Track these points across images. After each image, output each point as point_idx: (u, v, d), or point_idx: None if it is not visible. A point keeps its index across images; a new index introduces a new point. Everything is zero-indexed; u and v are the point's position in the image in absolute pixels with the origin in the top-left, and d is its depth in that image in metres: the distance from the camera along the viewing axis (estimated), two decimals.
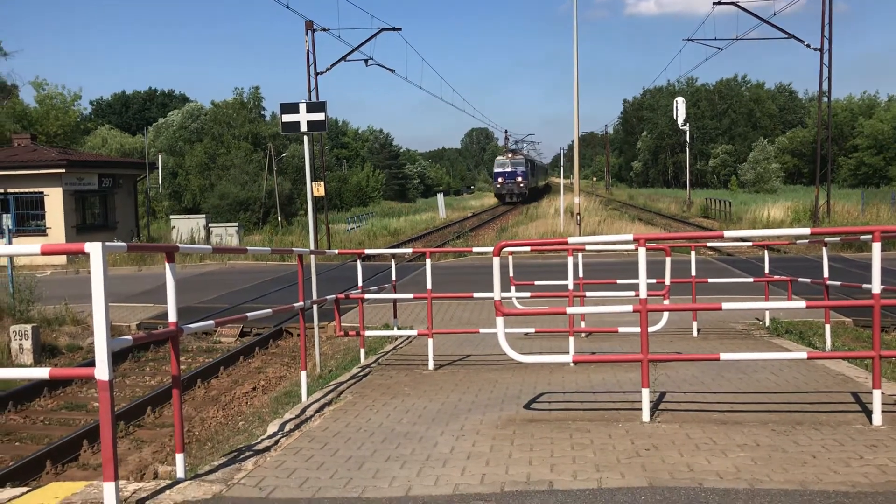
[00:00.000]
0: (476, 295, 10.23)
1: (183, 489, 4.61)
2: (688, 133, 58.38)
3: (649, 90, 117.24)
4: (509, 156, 69.73)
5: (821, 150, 35.23)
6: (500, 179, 68.97)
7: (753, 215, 39.31)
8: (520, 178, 67.71)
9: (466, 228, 41.36)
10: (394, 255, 11.25)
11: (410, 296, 11.21)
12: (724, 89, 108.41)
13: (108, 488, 4.12)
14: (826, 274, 9.91)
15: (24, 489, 4.63)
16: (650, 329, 6.30)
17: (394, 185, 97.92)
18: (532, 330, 10.03)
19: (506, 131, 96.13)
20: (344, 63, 33.28)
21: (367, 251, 10.85)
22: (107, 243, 4.05)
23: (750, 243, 15.07)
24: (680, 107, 52.93)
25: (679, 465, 4.91)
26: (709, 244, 21.14)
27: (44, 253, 4.25)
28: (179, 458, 4.93)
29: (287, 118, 10.46)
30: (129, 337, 4.38)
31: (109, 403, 4.02)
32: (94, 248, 3.96)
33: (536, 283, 12.27)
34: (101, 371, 4.01)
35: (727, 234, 6.84)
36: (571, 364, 8.46)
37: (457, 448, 5.49)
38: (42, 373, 4.28)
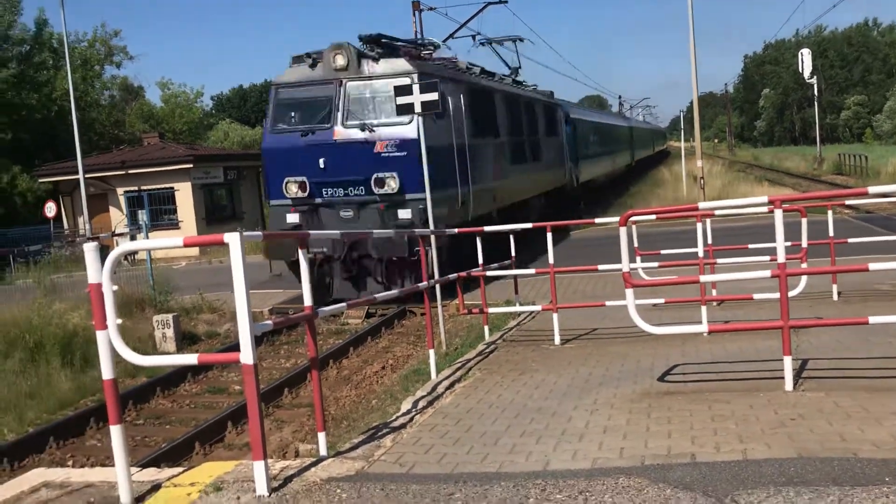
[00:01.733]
0: (601, 267, 10.05)
1: (327, 466, 4.77)
2: (815, 86, 55.16)
3: (771, 44, 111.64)
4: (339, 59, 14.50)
5: None
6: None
7: (894, 168, 36.82)
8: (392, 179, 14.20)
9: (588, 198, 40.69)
10: (512, 231, 11.20)
11: (532, 271, 11.15)
12: (855, 36, 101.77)
13: (258, 467, 4.31)
14: None
15: (180, 469, 4.91)
16: (789, 294, 6.00)
17: None
18: (661, 300, 9.76)
19: (619, 97, 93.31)
20: (452, 40, 33.26)
21: (487, 228, 10.85)
22: (245, 232, 4.21)
23: (893, 199, 14.13)
24: (805, 59, 49.96)
25: (829, 434, 4.67)
26: (846, 202, 19.98)
27: (186, 245, 4.46)
28: (321, 436, 5.10)
29: (401, 100, 10.55)
30: (269, 322, 4.56)
31: (255, 386, 4.19)
32: (233, 239, 4.12)
33: (663, 251, 11.94)
34: (246, 356, 4.19)
35: (871, 189, 6.43)
36: (706, 334, 8.19)
37: (592, 422, 5.43)
38: (191, 359, 4.51)
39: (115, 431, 4.37)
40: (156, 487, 4.59)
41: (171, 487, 4.59)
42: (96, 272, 4.28)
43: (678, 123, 50.05)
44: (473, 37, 33.91)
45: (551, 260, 9.25)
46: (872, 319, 6.09)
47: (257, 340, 4.35)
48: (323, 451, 5.08)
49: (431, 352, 8.03)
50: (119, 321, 4.31)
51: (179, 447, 7.95)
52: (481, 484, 4.28)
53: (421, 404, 6.53)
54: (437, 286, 10.20)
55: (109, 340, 4.31)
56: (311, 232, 5.23)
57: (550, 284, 9.30)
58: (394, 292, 7.32)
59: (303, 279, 5.02)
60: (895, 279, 11.65)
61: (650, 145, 76.40)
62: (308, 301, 5.06)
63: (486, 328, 10.09)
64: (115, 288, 4.30)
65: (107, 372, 4.34)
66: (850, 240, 12.22)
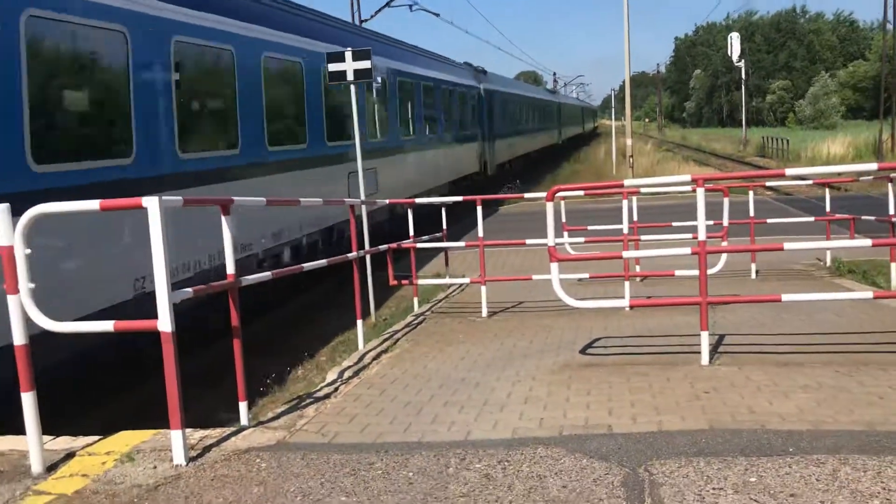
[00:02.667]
0: (528, 241, 10.15)
1: (248, 436, 4.72)
2: (743, 69, 56.57)
3: (702, 26, 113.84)
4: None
5: (885, 82, 33.85)
6: None
7: (812, 153, 38.15)
8: None
9: (518, 175, 40.99)
10: (444, 204, 11.22)
11: (462, 244, 11.21)
12: (782, 22, 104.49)
13: (176, 436, 4.24)
14: (892, 210, 9.58)
15: (96, 437, 4.80)
16: (708, 272, 6.18)
17: None
18: (586, 275, 9.93)
19: (554, 73, 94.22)
20: (388, 9, 32.92)
21: (418, 200, 10.83)
22: (165, 197, 4.11)
23: (810, 182, 14.66)
24: (734, 42, 51.14)
25: (740, 407, 4.85)
26: (767, 184, 20.63)
27: (103, 209, 4.33)
28: (242, 406, 5.05)
29: (333, 67, 10.38)
30: (189, 290, 4.46)
31: (173, 354, 4.12)
32: (151, 203, 4.02)
33: (590, 227, 12.14)
34: (164, 323, 4.10)
35: (789, 171, 6.66)
36: (628, 309, 8.38)
37: (514, 393, 5.51)
38: (107, 325, 4.38)
39: (27, 399, 4.23)
40: (69, 456, 4.48)
41: (85, 456, 4.48)
42: (7, 235, 4.12)
43: (610, 102, 50.18)
44: (410, 6, 33.57)
45: (480, 233, 9.31)
46: (785, 297, 6.33)
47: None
48: (244, 421, 5.03)
49: (360, 322, 8.01)
50: (32, 285, 4.16)
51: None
52: (402, 453, 4.31)
53: (347, 374, 6.52)
54: (367, 257, 10.15)
55: (21, 305, 4.16)
56: (234, 199, 5.13)
57: (479, 257, 9.36)
58: (322, 262, 7.24)
59: (226, 247, 4.93)
60: (809, 259, 12.12)
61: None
62: (231, 269, 4.97)
63: (416, 300, 10.12)
64: (28, 251, 4.14)
65: (19, 337, 4.19)
66: (770, 220, 12.66)
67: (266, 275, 5.78)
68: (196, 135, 8.79)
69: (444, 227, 11.47)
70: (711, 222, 8.74)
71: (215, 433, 4.77)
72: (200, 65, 9.05)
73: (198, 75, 9.00)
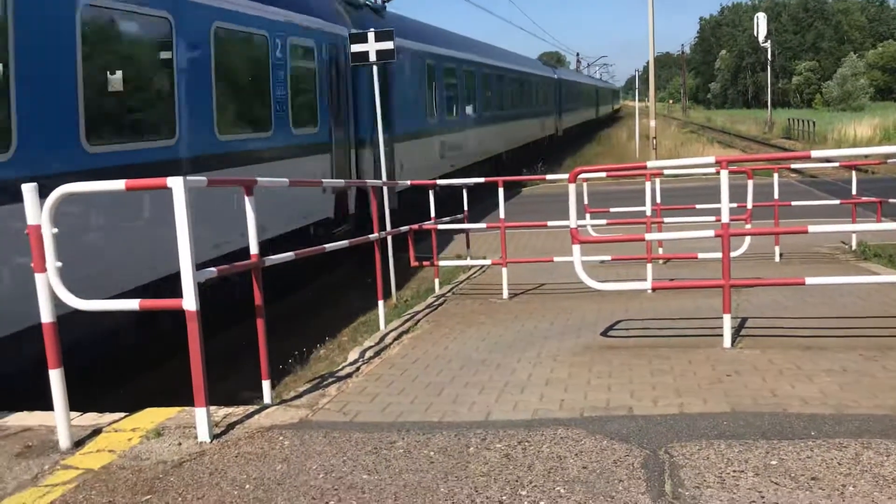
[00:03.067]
0: (550, 223, 10.13)
1: (270, 414, 4.78)
2: (769, 50, 55.76)
3: (727, 7, 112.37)
4: None
5: None
6: None
7: (839, 135, 37.65)
8: None
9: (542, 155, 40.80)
10: (466, 185, 11.21)
11: (483, 225, 11.20)
12: (810, 1, 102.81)
13: (200, 413, 4.31)
14: None
15: (122, 414, 4.88)
16: (732, 254, 6.14)
17: None
18: (608, 258, 9.91)
19: (577, 54, 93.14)
20: None
21: (440, 181, 10.83)
22: (189, 177, 4.14)
23: (836, 164, 14.47)
24: (761, 22, 50.38)
25: (762, 390, 4.83)
26: (792, 166, 20.38)
27: (128, 188, 4.38)
28: (266, 384, 5.10)
29: (356, 48, 10.39)
30: (213, 269, 4.50)
31: (198, 333, 4.17)
32: (176, 183, 4.06)
33: (612, 210, 12.08)
34: (189, 302, 4.15)
35: (814, 153, 6.58)
36: (650, 291, 8.34)
37: (534, 375, 5.52)
38: (132, 304, 4.45)
39: (55, 375, 4.30)
40: (96, 432, 4.56)
41: (111, 433, 4.56)
42: (35, 214, 4.18)
43: (634, 83, 49.37)
44: None
45: (502, 215, 9.30)
46: (809, 280, 6.28)
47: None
48: (267, 399, 5.09)
49: (381, 303, 8.04)
50: (59, 264, 4.22)
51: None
52: (423, 432, 4.34)
53: (368, 354, 6.57)
54: (389, 238, 10.18)
55: (49, 283, 4.22)
56: (258, 179, 5.16)
57: (501, 239, 9.35)
58: (344, 243, 7.28)
59: (249, 227, 4.96)
60: (834, 242, 11.99)
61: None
62: (254, 249, 5.01)
63: (437, 281, 10.14)
64: (55, 230, 4.20)
65: (46, 315, 4.26)
66: (794, 203, 12.51)
67: (289, 255, 5.82)
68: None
69: (465, 208, 11.46)
70: (735, 205, 8.67)
71: (239, 411, 4.83)
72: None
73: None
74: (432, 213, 10.32)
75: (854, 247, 11.31)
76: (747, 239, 8.35)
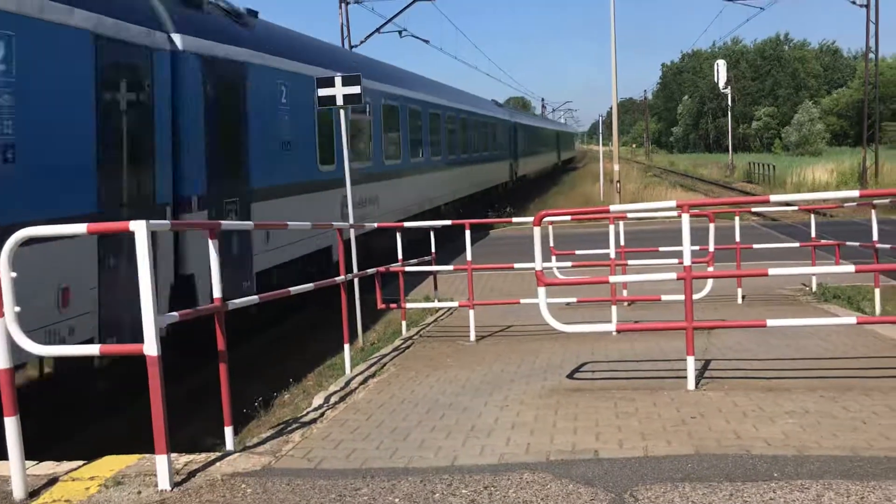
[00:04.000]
0: (516, 266, 10.20)
1: (233, 461, 4.70)
2: (729, 96, 57.19)
3: (688, 54, 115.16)
4: None
5: (868, 109, 34.30)
6: None
7: (798, 178, 38.52)
8: None
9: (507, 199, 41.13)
10: (433, 227, 11.26)
11: (450, 267, 11.24)
12: (767, 49, 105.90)
13: (161, 461, 4.22)
14: (875, 237, 9.68)
15: (80, 462, 4.76)
16: (694, 296, 6.22)
17: None
18: (573, 300, 9.97)
19: (542, 99, 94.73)
20: (378, 35, 33.17)
21: (407, 224, 10.86)
22: (152, 221, 4.12)
23: (795, 207, 14.79)
24: (721, 69, 51.80)
25: (726, 432, 4.86)
26: (753, 209, 20.78)
27: (90, 232, 4.34)
28: (228, 431, 5.02)
29: (323, 92, 10.44)
30: (175, 314, 4.46)
31: (159, 378, 4.10)
32: (138, 227, 4.03)
33: (577, 252, 12.19)
34: (150, 347, 4.09)
35: (773, 198, 6.73)
36: (614, 333, 8.40)
37: (501, 418, 5.51)
38: (93, 349, 4.38)
39: (10, 423, 4.20)
40: (53, 481, 4.44)
41: (68, 481, 4.45)
42: None
43: (598, 127, 50.08)
44: (400, 32, 33.84)
45: (469, 257, 9.34)
46: (770, 322, 6.38)
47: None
48: (230, 446, 5.01)
49: (346, 346, 8.00)
50: (17, 309, 4.14)
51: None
52: (389, 479, 4.30)
53: (333, 399, 6.50)
54: (356, 280, 10.16)
55: (6, 329, 4.14)
56: (222, 223, 5.13)
57: (468, 281, 9.38)
58: (309, 285, 7.24)
59: (213, 270, 4.93)
60: (794, 284, 12.20)
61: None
62: (217, 293, 4.97)
63: (404, 323, 10.11)
64: (14, 275, 4.13)
65: (3, 361, 4.17)
66: (755, 245, 12.74)
67: (253, 298, 5.77)
68: None
69: (433, 250, 11.50)
70: (697, 247, 8.82)
71: (200, 458, 4.74)
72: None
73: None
74: (399, 255, 10.33)
75: (814, 288, 11.52)
76: (710, 281, 8.48)
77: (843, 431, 4.78)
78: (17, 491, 4.21)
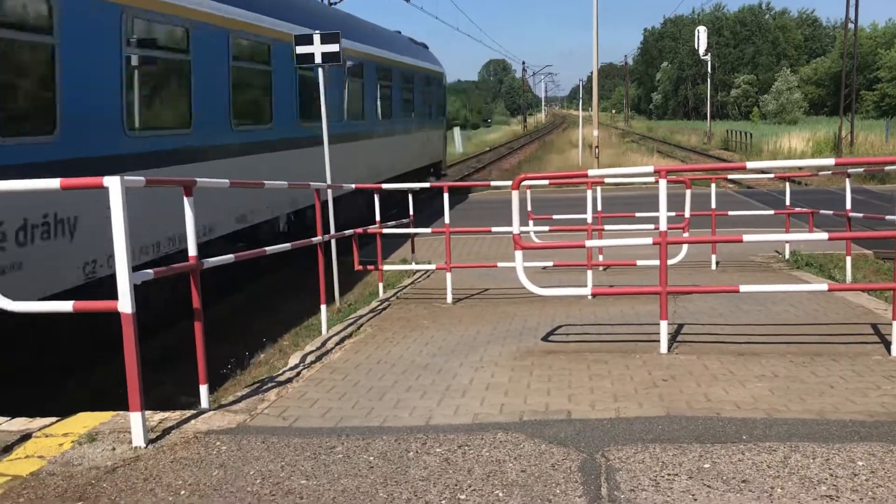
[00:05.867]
0: (494, 229, 10.21)
1: (208, 419, 4.70)
2: (709, 63, 57.16)
3: (670, 19, 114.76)
4: None
5: (845, 79, 34.46)
6: None
7: (774, 147, 38.76)
8: None
9: (484, 163, 41.08)
10: (411, 190, 11.21)
11: (428, 230, 11.22)
12: (748, 17, 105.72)
13: (135, 418, 4.22)
14: (849, 205, 9.79)
15: (53, 419, 4.74)
16: (669, 262, 6.28)
17: None
18: (550, 263, 10.03)
19: (523, 63, 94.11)
20: None
21: (385, 186, 10.81)
22: (127, 177, 4.06)
23: (771, 175, 14.90)
24: (702, 36, 51.68)
25: (696, 395, 4.94)
26: (729, 177, 20.92)
27: (63, 187, 4.27)
28: (203, 389, 5.02)
29: (301, 49, 10.30)
30: (150, 271, 4.42)
31: (133, 336, 4.08)
32: (112, 183, 3.97)
33: (555, 217, 12.22)
34: (125, 304, 4.06)
35: (750, 164, 6.76)
36: (590, 297, 8.47)
37: (476, 379, 5.55)
38: (66, 306, 4.34)
39: None
40: (25, 437, 4.43)
41: (42, 438, 4.43)
42: None
43: (578, 92, 49.94)
44: None
45: (447, 220, 9.33)
46: (743, 288, 6.46)
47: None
48: (205, 404, 5.01)
49: (323, 307, 7.99)
50: None
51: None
52: (363, 437, 4.33)
53: (309, 359, 6.52)
54: (333, 241, 10.11)
55: None
56: (197, 179, 5.08)
57: (446, 244, 9.39)
58: (286, 245, 7.21)
59: (188, 228, 4.88)
60: (768, 251, 12.34)
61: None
62: (192, 251, 4.93)
63: (381, 285, 10.12)
64: None
65: None
66: (731, 212, 12.85)
67: (228, 257, 5.74)
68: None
69: (411, 212, 11.47)
70: (673, 213, 8.87)
71: (175, 415, 4.74)
72: None
73: None
74: (377, 217, 10.30)
75: (787, 256, 11.66)
76: (684, 247, 8.55)
77: (810, 395, 4.88)
78: None
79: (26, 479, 3.87)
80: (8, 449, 4.26)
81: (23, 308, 4.28)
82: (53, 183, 4.25)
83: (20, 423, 4.69)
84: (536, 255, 10.89)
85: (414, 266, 11.08)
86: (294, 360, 6.57)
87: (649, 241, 6.38)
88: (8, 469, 4.01)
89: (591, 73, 33.05)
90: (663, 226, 6.08)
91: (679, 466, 3.77)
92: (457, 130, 62.10)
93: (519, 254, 6.29)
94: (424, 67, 22.58)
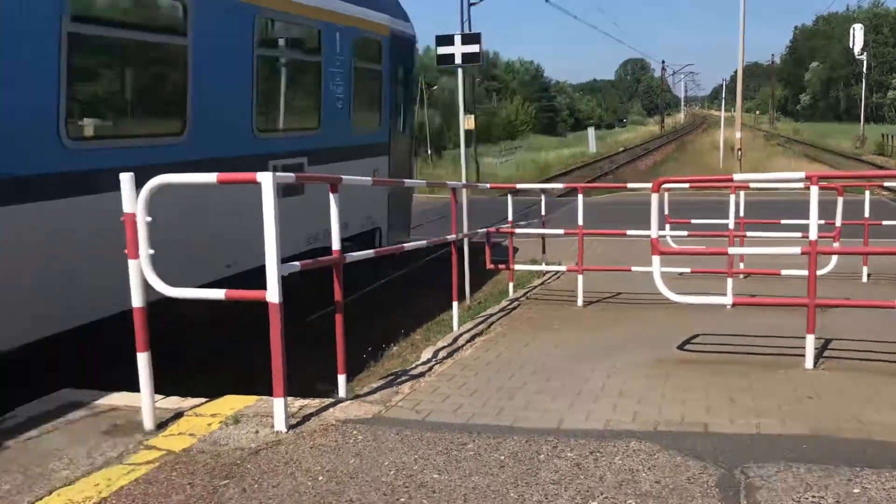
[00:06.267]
0: (629, 232, 10.00)
1: (345, 408, 4.87)
2: (865, 63, 53.76)
3: (823, 17, 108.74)
4: None
5: None
6: None
7: None
8: None
9: (617, 164, 40.35)
10: (544, 190, 11.17)
11: (561, 231, 11.12)
12: None
13: (278, 403, 4.42)
14: None
15: (203, 399, 5.04)
16: (817, 272, 5.96)
17: (543, 118, 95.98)
18: (687, 270, 9.72)
19: (663, 62, 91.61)
20: None
21: (519, 185, 10.82)
22: (278, 173, 4.26)
23: None
24: (857, 34, 48.60)
25: (845, 414, 4.67)
26: (885, 184, 19.62)
27: (220, 182, 4.53)
28: (341, 378, 5.20)
29: (442, 50, 10.46)
30: (296, 263, 4.61)
31: (279, 324, 4.28)
32: (265, 178, 4.17)
33: (693, 221, 11.84)
34: (272, 294, 4.26)
35: None
36: (729, 307, 8.16)
37: (608, 385, 5.47)
38: (219, 294, 4.59)
39: (142, 359, 4.48)
40: (178, 415, 4.73)
41: (192, 417, 4.72)
42: (131, 202, 4.35)
43: (720, 92, 48.03)
44: None
45: (580, 221, 9.23)
46: None
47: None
48: (342, 394, 5.18)
49: (455, 304, 8.09)
50: (151, 251, 4.39)
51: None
52: (494, 436, 4.36)
53: (441, 354, 6.62)
54: (466, 240, 10.22)
55: (140, 270, 4.40)
56: (343, 177, 5.26)
57: (578, 246, 9.29)
58: (422, 242, 7.36)
59: (332, 224, 5.06)
60: None
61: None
62: (336, 245, 5.11)
63: (511, 285, 10.13)
64: (150, 219, 4.37)
65: (137, 300, 4.44)
66: (885, 222, 12.04)
67: (369, 252, 5.91)
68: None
69: (543, 213, 11.42)
70: (823, 221, 8.41)
71: (314, 403, 4.93)
72: None
73: None
74: (509, 216, 10.32)
75: None
76: (834, 258, 8.09)
77: None
78: (147, 422, 4.51)
79: (179, 455, 4.13)
80: (163, 425, 4.56)
81: (178, 294, 4.55)
82: (210, 177, 4.51)
83: (173, 402, 5.01)
84: (671, 261, 10.58)
85: (544, 267, 11.03)
86: (426, 354, 6.70)
87: (797, 249, 6.08)
88: (163, 444, 4.30)
89: (735, 72, 31.80)
90: (813, 234, 5.78)
91: (825, 489, 3.59)
92: (591, 130, 61.34)
93: (656, 259, 6.14)
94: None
